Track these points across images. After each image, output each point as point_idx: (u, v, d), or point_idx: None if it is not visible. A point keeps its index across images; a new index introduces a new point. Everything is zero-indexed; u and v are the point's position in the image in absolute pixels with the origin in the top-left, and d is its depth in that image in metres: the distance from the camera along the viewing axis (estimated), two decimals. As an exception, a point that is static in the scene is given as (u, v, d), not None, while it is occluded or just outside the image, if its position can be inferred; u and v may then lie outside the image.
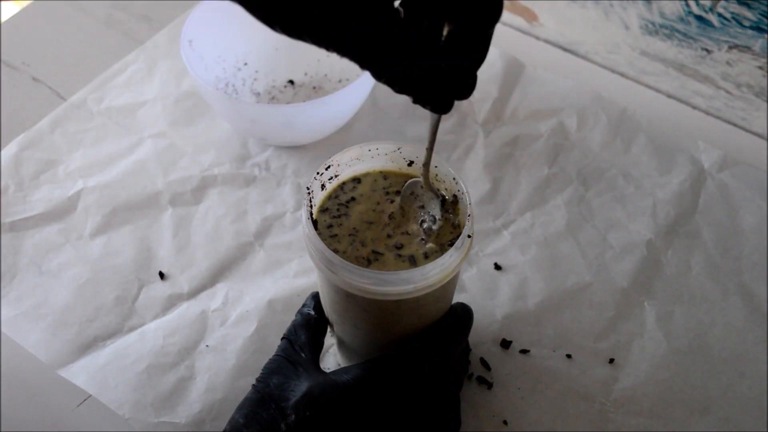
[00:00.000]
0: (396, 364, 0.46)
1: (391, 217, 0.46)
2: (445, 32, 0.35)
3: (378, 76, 0.35)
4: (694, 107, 0.74)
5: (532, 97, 0.72)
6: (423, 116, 0.71)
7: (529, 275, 0.61)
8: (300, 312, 0.51)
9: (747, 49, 0.67)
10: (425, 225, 0.46)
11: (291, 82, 0.72)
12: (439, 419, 0.48)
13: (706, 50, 0.69)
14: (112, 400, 0.54)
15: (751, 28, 0.66)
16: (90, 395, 0.55)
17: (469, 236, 0.44)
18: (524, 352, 0.57)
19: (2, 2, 1.05)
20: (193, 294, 0.60)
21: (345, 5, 0.33)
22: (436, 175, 0.47)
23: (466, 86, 0.37)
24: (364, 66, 0.35)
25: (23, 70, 0.75)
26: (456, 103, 0.38)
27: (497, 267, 0.61)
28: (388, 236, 0.46)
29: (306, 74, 0.73)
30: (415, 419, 0.46)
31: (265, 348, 0.56)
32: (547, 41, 0.79)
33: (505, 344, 0.57)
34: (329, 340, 0.55)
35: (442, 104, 0.37)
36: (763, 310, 0.59)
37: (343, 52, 0.34)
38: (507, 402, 0.55)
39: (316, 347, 0.49)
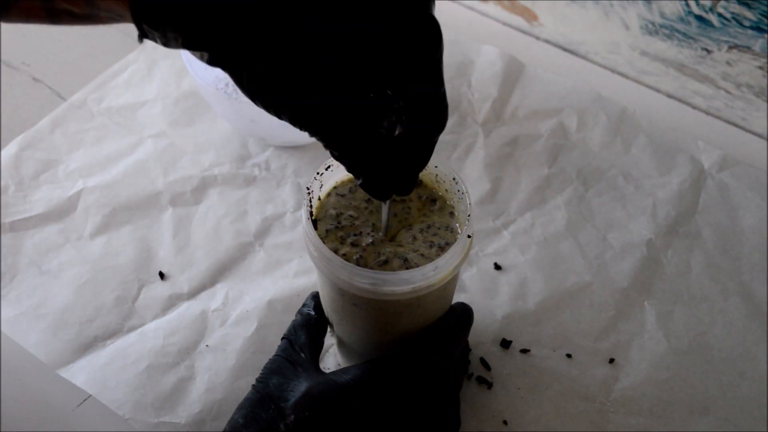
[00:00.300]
0: (396, 364, 0.46)
1: (391, 217, 0.46)
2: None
3: (338, 158, 0.39)
4: (694, 107, 0.74)
5: (532, 97, 0.72)
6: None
7: (529, 275, 0.61)
8: (300, 312, 0.51)
9: (747, 49, 0.67)
10: (425, 225, 0.46)
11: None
12: (439, 419, 0.48)
13: (706, 50, 0.69)
14: (112, 400, 0.54)
15: (751, 28, 0.66)
16: (90, 395, 0.55)
17: (469, 236, 0.44)
18: (524, 351, 0.57)
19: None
20: (193, 294, 0.60)
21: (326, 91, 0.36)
22: (437, 175, 0.47)
23: (406, 185, 0.41)
24: (327, 146, 0.38)
25: (23, 70, 0.75)
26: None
27: (497, 267, 0.61)
28: (387, 235, 0.46)
29: (306, 74, 0.73)
30: (414, 419, 0.46)
31: (265, 348, 0.56)
32: (547, 41, 0.79)
33: (505, 344, 0.57)
34: (329, 340, 0.55)
35: (381, 195, 0.41)
36: (763, 310, 0.59)
37: (311, 132, 0.38)
38: (507, 402, 0.55)
39: (315, 347, 0.49)
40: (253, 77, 0.35)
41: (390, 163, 0.39)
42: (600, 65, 0.77)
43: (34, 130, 0.69)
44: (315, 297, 0.51)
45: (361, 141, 0.37)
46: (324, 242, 0.44)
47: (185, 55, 0.64)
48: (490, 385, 0.55)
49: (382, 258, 0.44)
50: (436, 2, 0.37)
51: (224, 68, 0.35)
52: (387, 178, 0.40)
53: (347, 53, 0.35)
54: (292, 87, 0.35)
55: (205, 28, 0.33)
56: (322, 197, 0.47)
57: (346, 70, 0.35)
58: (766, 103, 0.69)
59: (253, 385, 0.46)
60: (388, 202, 0.44)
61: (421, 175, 0.47)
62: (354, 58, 0.35)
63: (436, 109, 0.39)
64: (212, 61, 0.35)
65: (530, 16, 0.78)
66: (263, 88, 0.35)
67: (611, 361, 0.57)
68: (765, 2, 0.63)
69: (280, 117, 0.37)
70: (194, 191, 0.66)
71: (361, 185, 0.40)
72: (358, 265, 0.43)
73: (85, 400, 0.55)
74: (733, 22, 0.66)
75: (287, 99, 0.36)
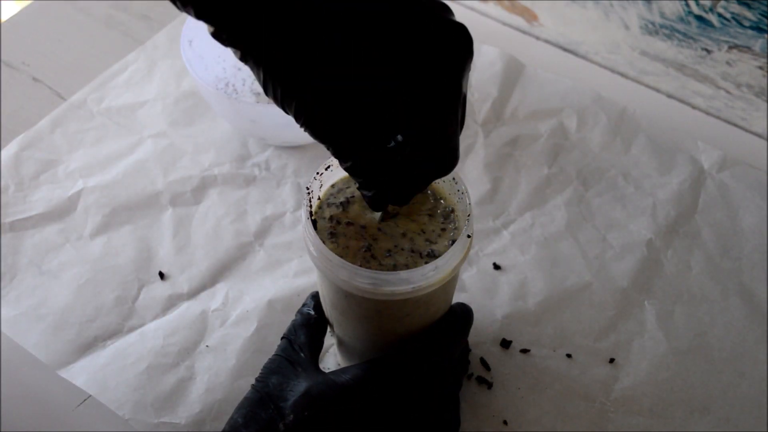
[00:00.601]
0: (395, 364, 0.46)
1: (391, 217, 0.46)
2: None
3: (342, 162, 0.40)
4: (694, 107, 0.74)
5: (532, 97, 0.72)
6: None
7: (529, 275, 0.61)
8: (300, 312, 0.51)
9: (747, 49, 0.67)
10: (425, 225, 0.46)
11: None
12: (439, 419, 0.48)
13: (706, 50, 0.69)
14: (112, 400, 0.54)
15: (751, 28, 0.66)
16: (90, 395, 0.55)
17: (469, 236, 0.44)
18: (524, 351, 0.57)
19: (2, 2, 1.06)
20: (193, 294, 0.60)
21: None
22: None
23: (402, 200, 0.41)
24: (334, 154, 0.39)
25: (23, 70, 0.75)
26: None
27: (496, 267, 0.61)
28: (388, 236, 0.46)
29: (306, 74, 0.73)
30: (414, 419, 0.46)
31: (265, 348, 0.56)
32: (547, 41, 0.79)
33: (505, 344, 0.57)
34: (329, 340, 0.55)
35: (376, 205, 0.42)
36: (763, 310, 0.59)
37: (322, 140, 0.38)
38: (507, 402, 0.55)
39: (315, 347, 0.49)
40: (268, 69, 0.35)
41: (389, 176, 0.39)
42: (600, 65, 0.77)
43: (34, 130, 0.69)
44: (315, 297, 0.51)
45: (366, 144, 0.37)
46: (324, 242, 0.44)
47: (185, 55, 0.64)
48: (490, 385, 0.56)
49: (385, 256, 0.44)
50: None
51: (229, 43, 0.35)
52: (385, 189, 0.40)
53: (358, 35, 0.34)
54: (302, 72, 0.35)
55: (233, 21, 0.34)
56: (322, 197, 0.47)
57: (357, 54, 0.35)
58: (766, 103, 0.69)
59: (253, 384, 0.46)
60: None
61: None
62: (365, 41, 0.34)
63: (440, 152, 0.38)
64: (242, 58, 0.36)
65: (530, 16, 0.78)
66: (277, 78, 0.35)
67: (611, 361, 0.57)
68: (765, 2, 0.63)
69: (286, 111, 0.37)
70: (194, 191, 0.66)
71: (358, 188, 0.41)
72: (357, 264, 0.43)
73: (85, 400, 0.55)
74: (733, 22, 0.66)
75: (297, 91, 0.36)
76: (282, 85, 0.36)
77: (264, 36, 0.34)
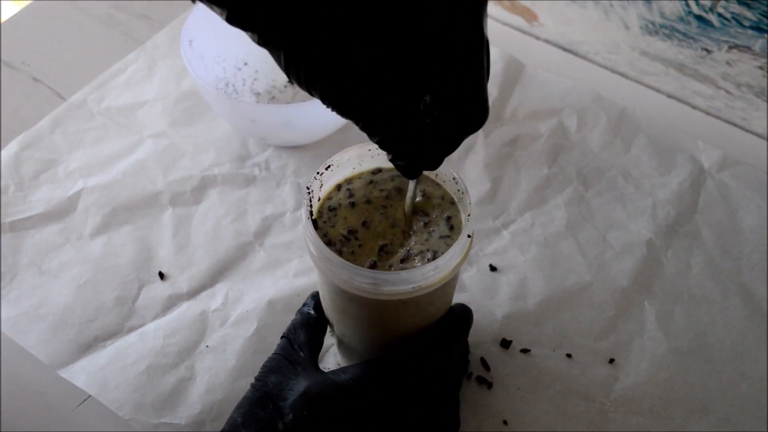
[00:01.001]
0: (395, 364, 0.46)
1: (390, 216, 0.46)
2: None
3: (372, 136, 0.39)
4: (694, 107, 0.74)
5: (532, 97, 0.72)
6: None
7: (529, 275, 0.61)
8: (300, 311, 0.51)
9: (747, 49, 0.67)
10: (425, 225, 0.46)
11: (291, 82, 0.72)
12: (438, 419, 0.48)
13: (706, 50, 0.70)
14: (112, 400, 0.54)
15: (751, 28, 0.66)
16: (90, 395, 0.55)
17: (469, 236, 0.44)
18: (524, 351, 0.57)
19: (2, 2, 1.05)
20: (193, 294, 0.60)
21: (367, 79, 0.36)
22: (437, 174, 0.47)
23: (433, 165, 0.41)
24: (363, 129, 0.39)
25: (23, 70, 0.75)
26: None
27: (493, 268, 0.61)
28: (388, 236, 0.46)
29: (306, 74, 0.73)
30: (413, 419, 0.46)
31: (265, 348, 0.56)
32: (547, 41, 0.79)
33: (505, 344, 0.57)
34: (329, 340, 0.55)
35: (409, 173, 0.41)
36: (763, 310, 0.59)
37: (350, 117, 0.38)
38: (507, 402, 0.55)
39: (315, 346, 0.49)
40: (289, 56, 0.35)
41: (421, 143, 0.39)
42: (600, 65, 0.77)
43: (34, 130, 0.69)
44: (315, 297, 0.51)
45: (394, 115, 0.37)
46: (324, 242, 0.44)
47: (185, 55, 0.64)
48: (490, 385, 0.56)
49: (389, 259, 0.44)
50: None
51: (264, 46, 0.35)
52: (417, 156, 0.40)
53: (360, 36, 0.34)
54: (324, 52, 0.35)
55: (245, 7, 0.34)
56: (322, 197, 0.47)
57: (360, 52, 0.34)
58: (766, 103, 0.69)
59: (252, 383, 0.46)
60: (414, 180, 0.44)
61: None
62: (367, 40, 0.34)
63: (470, 105, 0.37)
64: (259, 42, 0.35)
65: (530, 16, 0.78)
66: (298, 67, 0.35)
67: (611, 361, 0.57)
68: (765, 2, 0.63)
69: (311, 93, 0.37)
70: (194, 191, 0.66)
71: (390, 160, 0.40)
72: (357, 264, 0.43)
73: (85, 400, 0.55)
74: (733, 22, 0.66)
75: (320, 69, 0.35)
76: (304, 66, 0.35)
77: (280, 17, 0.34)
